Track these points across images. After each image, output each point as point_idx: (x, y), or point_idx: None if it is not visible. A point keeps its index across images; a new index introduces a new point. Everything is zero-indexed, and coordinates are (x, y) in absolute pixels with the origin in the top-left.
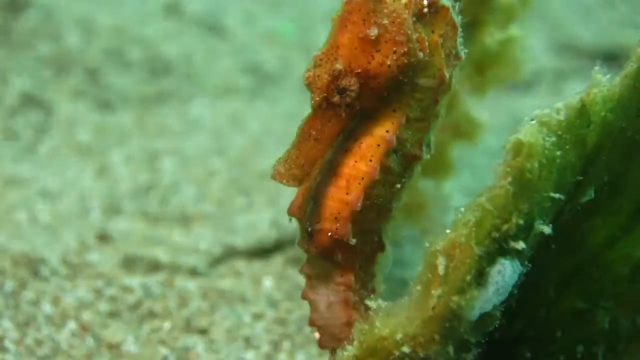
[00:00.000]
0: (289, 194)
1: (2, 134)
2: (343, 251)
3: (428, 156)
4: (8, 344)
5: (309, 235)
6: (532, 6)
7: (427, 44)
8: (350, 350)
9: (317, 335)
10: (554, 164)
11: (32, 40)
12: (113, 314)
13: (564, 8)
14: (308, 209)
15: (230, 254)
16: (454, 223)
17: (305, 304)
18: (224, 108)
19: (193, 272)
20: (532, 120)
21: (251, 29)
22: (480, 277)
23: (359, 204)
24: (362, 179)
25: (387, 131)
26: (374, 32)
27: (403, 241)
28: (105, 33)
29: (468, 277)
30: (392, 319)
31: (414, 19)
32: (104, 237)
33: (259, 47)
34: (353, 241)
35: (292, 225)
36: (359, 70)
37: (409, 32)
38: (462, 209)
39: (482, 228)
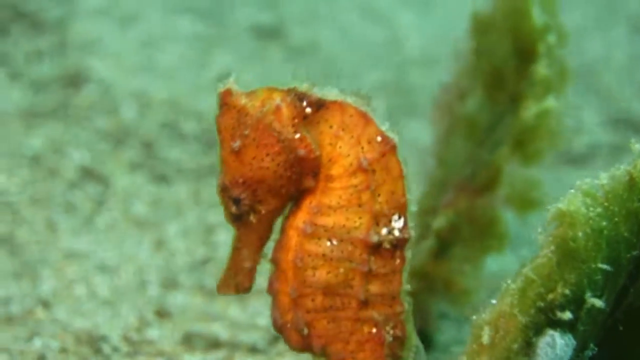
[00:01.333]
0: None
1: (61, 207)
2: (321, 341)
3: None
4: None
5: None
6: (572, 79)
7: (310, 140)
8: None
9: None
10: (602, 236)
11: (90, 115)
12: None
13: (618, 83)
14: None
15: None
16: (500, 294)
17: None
18: None
19: (252, 350)
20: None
21: None
22: (527, 348)
23: (295, 294)
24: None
25: (303, 222)
26: (237, 144)
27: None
28: (160, 107)
29: (514, 346)
30: None
31: (296, 120)
32: (162, 313)
33: None
34: (305, 331)
35: None
36: (242, 180)
37: (278, 133)
38: (509, 281)
39: (526, 297)
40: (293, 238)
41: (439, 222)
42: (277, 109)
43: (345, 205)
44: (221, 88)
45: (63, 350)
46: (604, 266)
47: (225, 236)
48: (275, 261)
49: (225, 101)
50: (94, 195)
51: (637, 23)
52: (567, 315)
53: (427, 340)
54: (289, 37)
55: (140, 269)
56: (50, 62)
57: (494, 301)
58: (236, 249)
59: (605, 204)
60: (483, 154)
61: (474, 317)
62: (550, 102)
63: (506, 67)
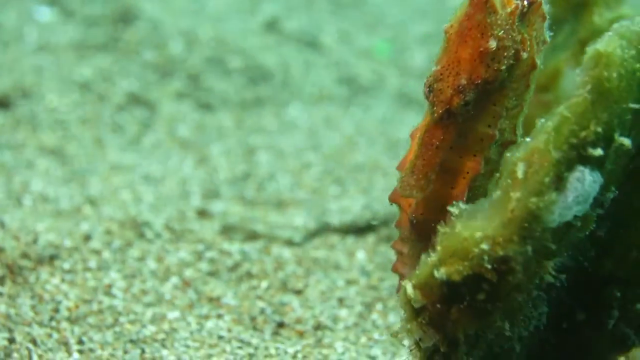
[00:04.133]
0: (381, 184)
1: (109, 127)
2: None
3: (520, 139)
4: (116, 291)
5: (412, 224)
6: None
7: (528, 42)
8: (433, 255)
9: None
10: (634, 77)
11: (139, 49)
12: (213, 273)
13: None
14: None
15: (324, 229)
16: (534, 132)
17: (396, 275)
18: (319, 112)
19: (289, 243)
20: (609, 33)
21: (346, 46)
22: (558, 182)
23: (464, 197)
24: (467, 173)
25: (489, 125)
26: (493, 44)
27: None
28: (207, 44)
29: (546, 180)
30: (472, 221)
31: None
32: (203, 213)
33: (354, 61)
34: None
35: (384, 209)
36: (479, 81)
37: (516, 36)
38: (542, 120)
39: (560, 134)
40: (472, 141)
41: None
42: (515, 10)
43: None
44: None
45: (108, 232)
46: (635, 105)
47: (265, 157)
48: None
49: None
50: (140, 119)
51: None
52: (598, 151)
53: None
54: None
55: (183, 181)
56: (101, 2)
57: (528, 139)
58: (431, 148)
59: (639, 46)
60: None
61: (508, 154)
62: (626, 9)
63: None
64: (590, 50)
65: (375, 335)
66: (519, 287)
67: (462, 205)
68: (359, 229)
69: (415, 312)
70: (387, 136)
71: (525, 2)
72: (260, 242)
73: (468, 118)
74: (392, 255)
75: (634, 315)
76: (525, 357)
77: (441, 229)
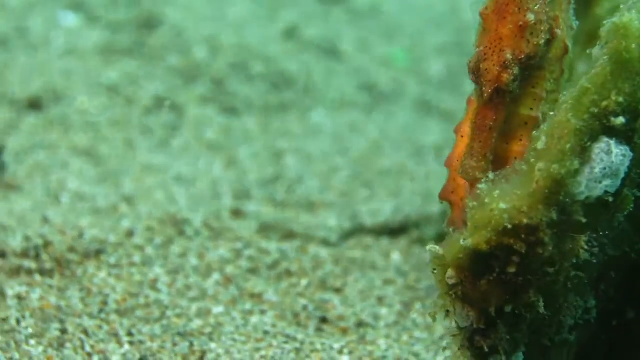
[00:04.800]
0: (409, 188)
1: (137, 130)
2: None
3: None
4: (161, 285)
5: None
6: None
7: (560, 20)
8: (465, 232)
9: None
10: None
11: (163, 54)
12: (253, 270)
13: None
14: None
15: (359, 230)
16: (557, 107)
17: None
18: (342, 117)
19: (325, 242)
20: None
21: (366, 54)
22: (582, 152)
23: None
24: (515, 158)
25: (531, 108)
26: (531, 17)
27: None
28: (230, 50)
29: (567, 146)
30: (498, 193)
31: None
32: (237, 213)
33: (374, 69)
34: None
35: (416, 212)
36: (522, 57)
37: (549, 11)
38: (565, 93)
39: (580, 104)
40: (516, 126)
41: None
42: None
43: None
44: None
45: (149, 229)
46: None
47: (293, 160)
48: None
49: None
50: (168, 122)
51: None
52: (621, 120)
53: None
54: (351, 2)
55: (214, 182)
56: (125, 8)
57: (552, 113)
58: (485, 130)
59: None
60: None
61: (534, 132)
62: None
63: None
64: (607, 24)
65: (417, 334)
66: (552, 262)
67: (490, 176)
68: (392, 231)
69: (449, 288)
70: (411, 142)
71: None
72: (297, 242)
73: (511, 101)
74: (427, 257)
75: None
76: (576, 353)
77: (469, 202)
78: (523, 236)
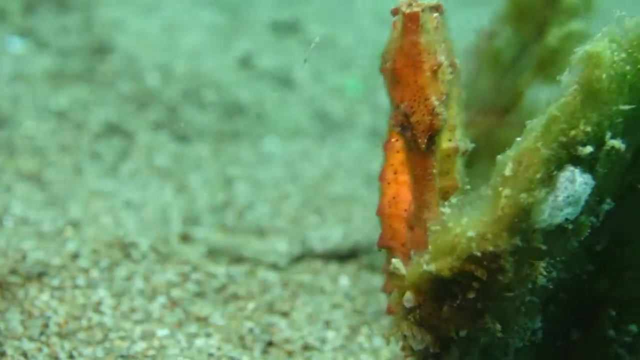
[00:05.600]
0: (361, 215)
1: (87, 155)
2: None
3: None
4: (104, 308)
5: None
6: (595, 6)
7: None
8: (425, 256)
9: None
10: (624, 80)
11: (115, 80)
12: (200, 294)
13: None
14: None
15: (308, 255)
16: (525, 132)
17: (382, 299)
18: (295, 146)
19: (274, 267)
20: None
21: (319, 84)
22: (548, 180)
23: None
24: (447, 192)
25: (449, 140)
26: (442, 59)
27: None
28: (183, 77)
29: (537, 176)
30: (462, 218)
31: None
32: (186, 238)
33: (327, 99)
34: None
35: (365, 238)
36: (443, 97)
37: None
38: (531, 121)
39: (549, 132)
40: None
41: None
42: (438, 24)
43: None
44: (407, 9)
45: (95, 252)
46: (625, 107)
47: (244, 187)
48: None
49: (416, 23)
50: (118, 148)
51: None
52: (588, 149)
53: None
54: (305, 33)
55: (164, 208)
56: (76, 35)
57: (519, 139)
58: (433, 177)
59: (630, 50)
60: (507, 82)
61: (499, 156)
62: (574, 25)
63: (534, 1)
64: (579, 51)
65: (363, 357)
66: (510, 287)
67: (453, 200)
68: (341, 256)
69: (406, 312)
70: (363, 169)
71: (437, 14)
72: (246, 266)
73: None
74: (375, 282)
75: (629, 336)
76: None
77: (432, 227)
78: (485, 263)
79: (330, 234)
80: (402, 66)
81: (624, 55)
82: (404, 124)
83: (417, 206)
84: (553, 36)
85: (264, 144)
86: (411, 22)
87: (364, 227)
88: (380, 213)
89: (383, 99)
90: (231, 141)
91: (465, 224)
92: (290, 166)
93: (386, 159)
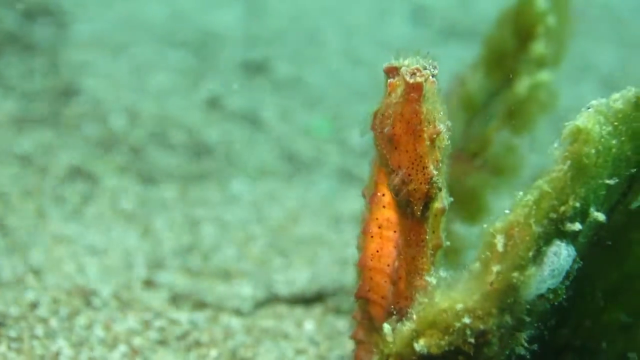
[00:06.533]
0: (327, 257)
1: (50, 199)
2: None
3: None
4: (63, 359)
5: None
6: (564, 57)
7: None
8: (409, 324)
9: None
10: (610, 153)
11: (80, 123)
12: (162, 342)
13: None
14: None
15: (272, 299)
16: (513, 205)
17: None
18: (262, 186)
19: (237, 312)
20: (588, 108)
21: (287, 124)
22: (538, 256)
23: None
24: (433, 251)
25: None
26: (442, 127)
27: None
28: (149, 119)
29: (529, 254)
30: (451, 292)
31: None
32: (149, 283)
33: (295, 138)
34: None
35: (331, 281)
36: (439, 165)
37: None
38: (521, 193)
39: (540, 208)
40: None
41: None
42: (435, 89)
43: None
44: (411, 78)
45: (55, 301)
46: (610, 182)
47: (210, 229)
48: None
49: (419, 93)
50: (82, 191)
51: None
52: (577, 226)
53: None
54: (275, 72)
55: (128, 252)
56: (42, 79)
57: (507, 211)
58: (426, 243)
59: (615, 123)
60: (476, 127)
61: (485, 225)
62: (543, 75)
63: (506, 49)
64: (569, 125)
65: None
66: (493, 358)
67: (441, 273)
68: (306, 300)
69: None
70: (330, 210)
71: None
72: (209, 311)
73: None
74: (340, 326)
75: None
76: None
77: (419, 298)
78: (474, 339)
79: (296, 277)
80: (401, 133)
81: (610, 128)
82: (399, 192)
83: (408, 271)
84: (522, 85)
85: (231, 185)
86: (414, 92)
87: (330, 270)
88: (361, 265)
89: (351, 139)
90: (198, 182)
91: (453, 298)
92: (257, 207)
93: (371, 212)
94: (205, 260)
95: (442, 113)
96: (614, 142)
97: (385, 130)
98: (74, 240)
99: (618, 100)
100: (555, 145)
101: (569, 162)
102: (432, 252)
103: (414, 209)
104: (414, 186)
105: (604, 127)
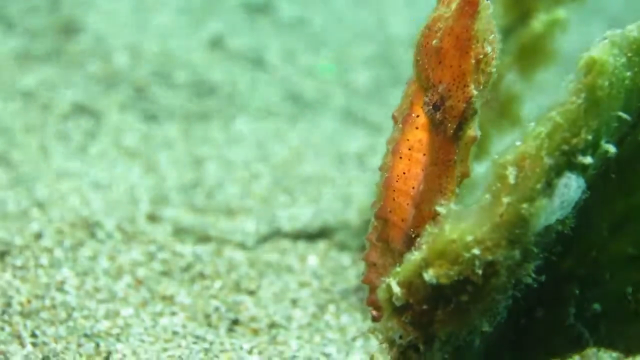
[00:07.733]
0: (330, 195)
1: (53, 136)
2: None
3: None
4: (68, 287)
5: (410, 238)
6: None
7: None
8: (418, 254)
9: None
10: (623, 85)
11: (83, 60)
12: (165, 273)
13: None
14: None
15: (275, 234)
16: (524, 136)
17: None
18: (266, 126)
19: (241, 246)
20: (604, 39)
21: (291, 65)
22: (548, 188)
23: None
24: (459, 178)
25: (470, 128)
26: (489, 49)
27: None
28: (153, 57)
29: (538, 186)
30: (461, 223)
31: None
32: (153, 217)
33: (299, 80)
34: None
35: (334, 218)
36: (480, 87)
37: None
38: (532, 123)
39: (552, 140)
40: None
41: None
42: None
43: None
44: None
45: (59, 232)
46: (624, 115)
47: (213, 167)
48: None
49: (474, 8)
50: (86, 128)
51: None
52: (588, 159)
53: None
54: (278, 13)
55: (132, 188)
56: (44, 15)
57: (518, 142)
58: (454, 164)
59: (629, 54)
60: None
61: (496, 156)
62: (560, 13)
63: None
64: (584, 57)
65: (329, 335)
66: (500, 289)
67: (451, 206)
68: (310, 236)
69: (397, 310)
70: (334, 149)
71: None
72: (212, 245)
73: None
74: (344, 261)
75: (590, 314)
76: (484, 352)
77: (429, 228)
78: (482, 270)
79: (300, 214)
80: (449, 47)
81: (624, 60)
82: (437, 105)
83: (430, 189)
84: (539, 21)
85: (234, 125)
86: (469, 7)
87: (333, 207)
88: (386, 185)
89: (356, 81)
90: (202, 121)
91: (463, 229)
92: (260, 146)
93: (402, 132)
94: (209, 197)
95: (493, 38)
96: (627, 73)
97: (434, 42)
98: (78, 176)
99: (633, 30)
100: (570, 77)
101: (582, 94)
102: (459, 178)
103: (447, 127)
104: (452, 103)
105: (617, 59)
